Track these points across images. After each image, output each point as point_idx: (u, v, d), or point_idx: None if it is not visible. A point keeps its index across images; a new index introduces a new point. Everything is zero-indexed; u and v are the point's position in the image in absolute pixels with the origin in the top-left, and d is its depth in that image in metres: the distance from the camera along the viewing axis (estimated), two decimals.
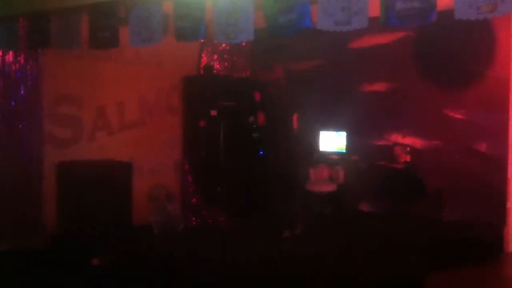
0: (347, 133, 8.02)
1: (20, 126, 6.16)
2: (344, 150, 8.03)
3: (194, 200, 7.75)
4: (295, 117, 5.69)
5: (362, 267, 5.42)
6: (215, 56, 8.10)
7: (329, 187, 7.78)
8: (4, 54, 6.01)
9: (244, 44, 8.00)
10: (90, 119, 6.82)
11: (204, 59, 7.98)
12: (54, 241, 6.08)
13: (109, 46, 5.14)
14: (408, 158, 7.55)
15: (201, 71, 7.95)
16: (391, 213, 7.56)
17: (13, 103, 6.11)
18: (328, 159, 8.05)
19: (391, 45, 7.70)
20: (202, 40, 5.42)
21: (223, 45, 8.01)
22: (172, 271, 5.35)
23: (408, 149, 7.61)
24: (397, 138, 7.88)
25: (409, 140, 7.74)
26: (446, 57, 7.27)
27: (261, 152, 8.13)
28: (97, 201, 6.20)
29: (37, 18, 5.29)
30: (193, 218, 7.63)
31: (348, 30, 4.01)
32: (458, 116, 7.33)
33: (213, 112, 7.64)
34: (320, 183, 7.83)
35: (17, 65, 6.10)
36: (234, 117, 7.80)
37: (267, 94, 8.06)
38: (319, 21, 4.09)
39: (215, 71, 8.04)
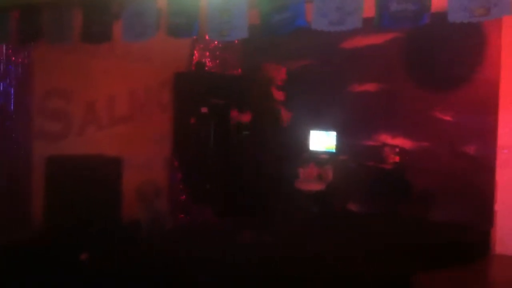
0: (336, 133, 8.04)
1: (9, 120, 6.12)
2: (333, 150, 8.05)
3: (183, 197, 7.74)
4: (285, 116, 5.68)
5: (348, 267, 5.44)
6: (207, 53, 8.09)
7: (318, 186, 7.80)
8: None
9: (236, 41, 8.01)
10: (80, 114, 6.77)
11: (196, 56, 7.97)
12: (41, 236, 6.04)
13: (102, 41, 5.11)
14: (397, 159, 7.59)
15: (193, 68, 7.94)
16: (379, 213, 7.60)
17: (1, 97, 6.07)
18: (318, 159, 8.07)
19: (382, 46, 7.73)
20: (194, 37, 5.43)
21: (215, 42, 8.00)
22: (159, 268, 5.34)
23: (397, 150, 7.65)
24: (386, 138, 7.92)
25: (398, 141, 7.78)
26: (436, 59, 7.33)
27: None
28: (86, 196, 6.17)
29: (29, 11, 5.24)
30: (181, 216, 7.61)
31: (342, 30, 4.03)
32: (447, 118, 7.38)
33: (204, 109, 7.62)
34: (309, 182, 7.85)
35: (8, 57, 6.06)
36: (225, 114, 7.80)
37: (258, 92, 8.06)
38: (314, 20, 4.10)
39: (206, 68, 8.03)
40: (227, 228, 7.16)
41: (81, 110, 6.80)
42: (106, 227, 6.19)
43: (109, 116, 7.10)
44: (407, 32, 7.43)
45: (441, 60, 7.30)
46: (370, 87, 8.03)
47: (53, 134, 6.49)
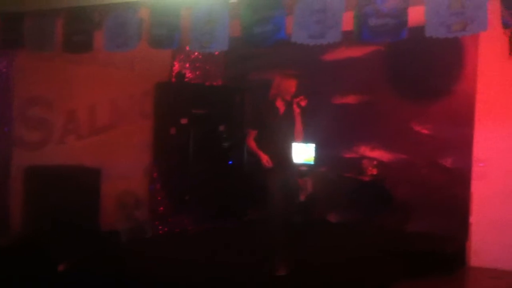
0: (316, 145, 8.09)
1: None
2: (312, 162, 8.10)
3: (162, 208, 7.71)
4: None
5: (326, 278, 5.47)
6: (187, 64, 8.11)
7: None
8: None
9: (216, 53, 8.04)
10: (60, 123, 6.73)
11: (176, 67, 7.98)
12: (19, 247, 5.98)
13: (83, 51, 5.13)
14: (375, 171, 7.67)
15: (173, 79, 7.95)
16: (357, 225, 7.66)
17: None
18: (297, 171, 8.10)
19: (363, 59, 7.83)
20: (175, 48, 5.45)
21: (196, 53, 8.02)
22: (138, 278, 5.32)
23: (375, 162, 7.73)
24: (365, 151, 8.00)
25: (377, 153, 7.87)
26: (415, 72, 7.43)
27: (230, 162, 8.16)
28: (65, 206, 6.12)
29: (11, 18, 5.24)
30: (160, 226, 7.58)
31: (322, 43, 4.09)
32: (425, 130, 7.49)
33: (184, 120, 7.63)
34: None
35: None
36: (205, 125, 7.82)
37: (239, 103, 8.11)
38: (294, 33, 4.16)
39: (187, 79, 8.05)
40: (206, 238, 7.16)
41: (62, 119, 6.75)
42: (85, 237, 6.14)
43: (89, 125, 7.06)
44: (387, 45, 7.54)
45: (420, 73, 7.41)
46: (349, 99, 8.12)
47: (33, 143, 6.43)
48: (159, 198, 7.73)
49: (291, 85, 5.64)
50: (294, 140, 5.75)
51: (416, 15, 3.95)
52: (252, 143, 5.72)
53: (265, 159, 5.57)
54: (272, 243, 5.47)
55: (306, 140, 8.08)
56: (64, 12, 5.07)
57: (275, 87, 5.73)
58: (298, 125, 5.65)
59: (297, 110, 5.62)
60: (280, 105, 5.69)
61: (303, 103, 5.61)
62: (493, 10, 3.64)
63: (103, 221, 6.76)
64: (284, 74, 5.83)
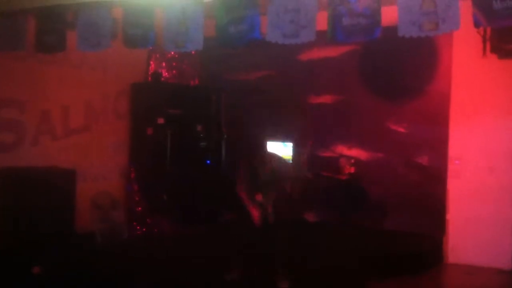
0: (293, 144, 8.09)
1: None
2: (290, 161, 8.09)
3: (140, 208, 7.66)
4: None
5: (303, 276, 5.47)
6: (164, 64, 8.06)
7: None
8: None
9: (193, 52, 8.00)
10: (33, 124, 6.62)
11: (152, 66, 7.93)
12: None
13: (56, 50, 5.06)
14: (352, 170, 7.69)
15: (149, 78, 7.90)
16: (335, 223, 7.68)
17: None
18: None
19: (338, 59, 7.85)
20: (150, 48, 5.41)
21: (172, 52, 7.97)
22: (115, 280, 5.28)
23: (353, 161, 7.75)
24: (342, 150, 8.02)
25: (354, 152, 7.89)
26: (391, 72, 7.48)
27: (208, 161, 8.12)
28: (39, 208, 6.04)
29: None
30: (138, 227, 7.53)
31: (296, 42, 4.08)
32: (401, 129, 7.54)
33: (160, 120, 7.58)
34: None
35: None
36: (182, 125, 7.78)
37: (215, 103, 8.08)
38: (268, 33, 4.15)
39: (163, 79, 7.99)
40: (184, 238, 7.12)
41: (35, 119, 6.65)
42: (60, 239, 6.08)
43: (63, 125, 6.97)
44: (362, 45, 7.56)
45: (395, 72, 7.45)
46: (327, 98, 8.13)
47: (5, 145, 6.33)
48: (136, 198, 7.67)
49: None
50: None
51: (390, 14, 3.96)
52: (243, 195, 5.62)
53: (255, 216, 5.57)
54: (248, 244, 5.44)
55: (284, 139, 8.11)
56: (36, 11, 4.99)
57: None
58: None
59: None
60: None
61: None
62: (466, 9, 3.66)
63: (79, 222, 6.68)
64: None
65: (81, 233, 6.69)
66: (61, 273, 5.39)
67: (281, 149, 8.14)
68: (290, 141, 8.12)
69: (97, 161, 7.30)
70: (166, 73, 8.08)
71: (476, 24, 3.63)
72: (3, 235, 6.06)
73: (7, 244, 5.91)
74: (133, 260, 5.97)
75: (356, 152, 7.89)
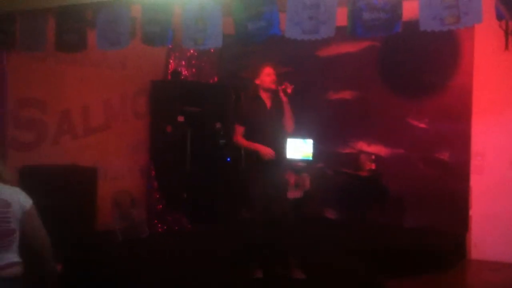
0: (313, 141, 8.07)
1: None
2: (310, 158, 8.07)
3: (160, 206, 7.69)
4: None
5: (324, 274, 5.44)
6: (183, 62, 8.07)
7: (295, 194, 7.81)
8: None
9: (212, 50, 8.01)
10: (54, 123, 6.70)
11: (172, 65, 7.95)
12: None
13: (76, 49, 5.10)
14: (373, 166, 7.64)
15: (169, 77, 7.92)
16: (356, 220, 7.64)
17: None
18: (295, 167, 8.08)
19: (358, 54, 7.80)
20: (170, 46, 5.42)
21: (191, 50, 7.98)
22: (136, 278, 5.30)
23: (373, 157, 7.70)
24: (362, 146, 7.98)
25: (374, 148, 7.84)
26: (411, 67, 7.41)
27: (228, 159, 8.12)
28: (61, 206, 6.08)
29: (2, 19, 5.20)
30: (159, 225, 7.56)
31: (316, 39, 4.06)
32: (422, 125, 7.47)
33: (180, 118, 7.60)
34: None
35: None
36: (201, 123, 7.79)
37: (235, 100, 8.07)
38: (287, 29, 4.14)
39: (182, 77, 8.01)
40: (204, 236, 7.13)
41: (56, 119, 6.73)
42: (81, 237, 6.12)
43: (84, 124, 7.04)
44: (382, 40, 7.52)
45: (416, 67, 7.39)
46: (346, 94, 8.09)
47: (27, 144, 6.41)
48: (156, 196, 7.70)
49: (269, 72, 5.31)
50: (285, 131, 5.37)
51: (410, 9, 3.92)
52: (241, 140, 5.37)
53: (266, 151, 5.20)
54: (267, 240, 5.39)
55: (304, 136, 8.09)
56: (56, 11, 5.03)
57: (255, 80, 5.40)
58: (288, 115, 5.25)
59: (284, 99, 5.24)
60: (265, 96, 5.36)
61: (289, 90, 5.20)
62: (488, 2, 3.61)
63: (100, 221, 6.73)
64: (261, 64, 5.47)
65: (102, 230, 6.74)
66: (83, 271, 5.42)
67: (301, 145, 8.14)
68: (310, 138, 8.09)
69: (117, 160, 7.36)
70: (186, 71, 8.09)
71: (499, 17, 3.59)
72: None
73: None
74: (152, 258, 5.99)
75: (376, 148, 7.84)
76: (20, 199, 3.15)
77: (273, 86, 5.29)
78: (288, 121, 5.27)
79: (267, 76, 5.30)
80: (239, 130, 5.38)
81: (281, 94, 5.24)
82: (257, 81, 5.36)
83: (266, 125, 5.28)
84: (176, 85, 7.83)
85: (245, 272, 5.32)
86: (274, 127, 5.28)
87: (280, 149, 5.38)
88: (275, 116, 5.31)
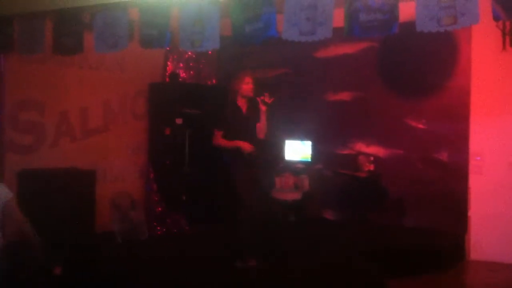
0: (312, 142, 8.07)
1: None
2: (309, 159, 8.08)
3: (159, 208, 7.69)
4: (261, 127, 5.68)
5: (323, 275, 5.44)
6: (181, 64, 8.07)
7: (294, 195, 7.82)
8: None
9: (210, 52, 8.01)
10: (52, 125, 6.68)
11: (170, 67, 7.95)
12: (13, 250, 5.94)
13: (74, 52, 5.11)
14: (371, 167, 7.64)
15: (167, 79, 7.92)
16: (355, 221, 7.64)
17: None
18: (293, 168, 8.09)
19: (356, 55, 7.81)
20: (167, 48, 5.43)
21: (189, 52, 7.98)
22: (135, 280, 5.29)
23: (372, 158, 7.70)
24: (361, 147, 7.98)
25: (372, 149, 7.84)
26: (409, 67, 7.42)
27: (225, 160, 8.11)
28: (60, 209, 6.09)
29: (0, 21, 5.21)
30: (158, 227, 7.56)
31: (313, 40, 4.06)
32: (420, 125, 7.47)
33: (179, 120, 7.60)
34: (285, 191, 7.87)
35: None
36: (200, 125, 7.78)
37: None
38: (284, 31, 4.14)
39: (180, 79, 8.01)
40: (203, 238, 7.12)
41: (54, 121, 6.71)
42: (81, 239, 6.11)
43: (82, 127, 7.03)
44: (380, 41, 7.52)
45: (414, 68, 7.39)
46: (344, 96, 8.09)
47: (26, 146, 6.39)
48: (156, 198, 7.70)
49: (248, 81, 5.67)
50: (257, 137, 5.74)
51: (407, 10, 3.93)
52: (221, 140, 5.73)
53: (245, 145, 5.60)
54: (265, 241, 5.44)
55: (302, 137, 8.09)
56: (54, 14, 5.03)
57: (233, 86, 5.78)
58: (263, 122, 5.64)
59: (263, 108, 5.61)
60: (241, 103, 5.75)
61: (268, 101, 5.58)
62: (485, 3, 3.62)
63: (99, 223, 6.73)
64: (240, 73, 5.83)
65: (101, 232, 6.74)
66: (82, 273, 5.42)
67: (299, 147, 8.14)
68: (308, 139, 8.09)
69: (116, 162, 7.36)
70: (184, 73, 8.09)
71: (496, 18, 3.58)
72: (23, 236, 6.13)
73: (28, 244, 5.96)
74: (151, 260, 5.98)
75: (374, 149, 7.83)
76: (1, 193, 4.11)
77: (250, 94, 5.69)
78: (263, 128, 5.69)
79: (245, 85, 5.67)
80: (218, 133, 5.74)
81: (260, 104, 5.60)
82: (236, 88, 5.73)
83: (241, 129, 5.67)
84: (175, 87, 7.83)
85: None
86: (247, 132, 5.66)
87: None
88: (249, 122, 5.71)
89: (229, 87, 5.87)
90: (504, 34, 6.23)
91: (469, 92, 6.73)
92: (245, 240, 5.54)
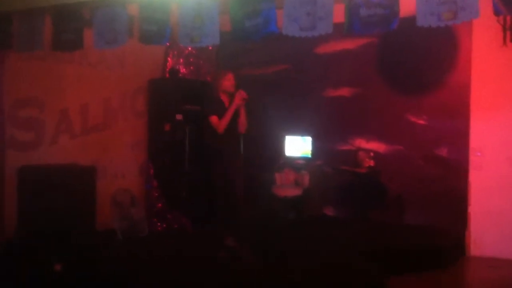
0: (312, 138, 8.06)
1: None
2: (309, 155, 8.07)
3: (159, 205, 7.69)
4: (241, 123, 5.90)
5: (324, 272, 5.43)
6: (181, 60, 8.05)
7: (295, 192, 7.81)
8: None
9: (210, 47, 8.01)
10: (52, 122, 6.69)
11: (170, 63, 7.93)
12: (14, 247, 5.96)
13: (73, 48, 5.10)
14: (372, 163, 7.63)
15: (167, 75, 7.91)
16: (355, 217, 7.64)
17: None
18: (294, 164, 8.08)
19: (356, 51, 7.79)
20: (167, 44, 5.43)
21: (189, 48, 7.97)
22: (135, 277, 5.29)
23: (372, 154, 7.69)
24: (361, 143, 7.96)
25: (372, 145, 7.83)
26: (409, 63, 7.40)
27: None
28: (60, 206, 6.10)
29: None
30: (158, 223, 7.56)
31: (313, 35, 4.06)
32: (420, 121, 7.45)
33: (179, 116, 7.59)
34: (286, 188, 7.86)
35: None
36: (200, 121, 7.78)
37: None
38: (284, 26, 4.14)
39: (180, 75, 8.00)
40: (202, 234, 7.12)
41: (54, 118, 6.72)
42: (81, 236, 6.12)
43: (82, 124, 7.03)
44: (380, 37, 7.51)
45: (414, 64, 7.37)
46: (344, 91, 8.07)
47: (26, 143, 6.40)
48: (156, 195, 7.70)
49: (230, 78, 6.00)
50: (238, 130, 6.05)
51: (407, 5, 3.92)
52: (222, 120, 5.94)
53: (239, 95, 5.87)
54: (266, 237, 5.48)
55: (302, 133, 8.08)
56: (53, 10, 5.03)
57: (216, 82, 6.14)
58: (242, 116, 5.98)
59: (239, 102, 5.93)
60: (224, 98, 6.06)
61: (245, 96, 5.90)
62: None
63: (99, 219, 6.73)
64: (222, 69, 6.17)
65: (101, 229, 6.74)
66: (83, 270, 5.42)
67: (299, 143, 8.13)
68: (309, 135, 8.09)
69: (116, 158, 7.36)
70: (184, 69, 8.08)
71: (496, 12, 3.58)
72: (24, 233, 6.14)
73: (28, 241, 5.98)
74: (152, 256, 5.98)
75: (374, 145, 7.82)
76: None
77: (232, 90, 6.01)
78: (242, 121, 6.04)
79: (227, 81, 6.01)
80: (215, 117, 6.00)
81: (237, 98, 5.91)
82: (218, 84, 6.09)
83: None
84: (174, 83, 7.82)
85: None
86: (230, 125, 5.95)
87: (235, 145, 6.07)
88: (232, 117, 5.99)
89: (213, 83, 6.10)
90: (504, 29, 6.21)
91: (469, 88, 6.73)
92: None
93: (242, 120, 6.00)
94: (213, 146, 6.07)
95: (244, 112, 5.98)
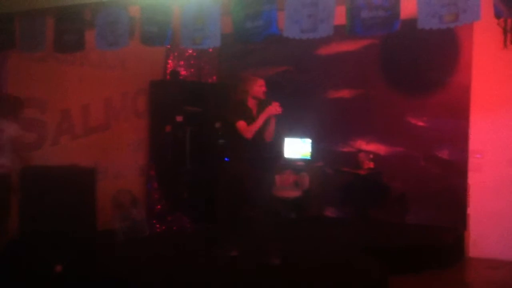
0: (312, 140, 8.07)
1: None
2: (309, 157, 8.08)
3: (159, 206, 7.70)
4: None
5: (325, 272, 5.44)
6: (182, 62, 8.07)
7: (295, 193, 7.83)
8: None
9: (211, 49, 8.02)
10: (54, 123, 6.70)
11: (171, 64, 7.95)
12: (15, 248, 5.96)
13: (75, 50, 5.10)
14: (371, 165, 7.64)
15: (168, 76, 7.93)
16: (355, 219, 7.64)
17: None
18: (294, 166, 8.09)
19: (357, 53, 7.79)
20: (168, 46, 5.43)
21: (190, 50, 7.99)
22: (136, 278, 5.30)
23: (372, 155, 7.70)
24: (361, 144, 7.97)
25: (373, 147, 7.83)
26: (410, 65, 7.41)
27: (226, 159, 8.12)
28: (61, 207, 6.09)
29: (1, 19, 5.21)
30: (158, 225, 7.56)
31: (314, 37, 4.06)
32: (421, 123, 7.46)
33: (179, 118, 7.61)
34: (286, 189, 7.87)
35: None
36: (200, 122, 7.79)
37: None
38: (286, 28, 4.14)
39: (181, 77, 8.01)
40: (203, 236, 7.12)
41: (56, 119, 6.73)
42: (82, 236, 6.12)
43: (83, 124, 7.05)
44: (382, 38, 7.51)
45: (415, 66, 7.39)
46: (345, 93, 8.08)
47: (27, 145, 6.40)
48: (156, 196, 7.71)
49: (262, 84, 5.71)
50: (265, 139, 5.80)
51: (409, 7, 3.93)
52: (252, 127, 5.62)
53: (273, 108, 5.57)
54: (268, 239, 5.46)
55: (303, 135, 8.09)
56: (54, 11, 5.03)
57: (244, 87, 5.76)
58: (272, 127, 5.73)
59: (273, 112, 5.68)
60: (252, 104, 5.74)
61: (280, 110, 5.64)
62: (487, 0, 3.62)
63: (100, 220, 6.73)
64: (252, 75, 5.87)
65: (102, 230, 6.75)
66: (84, 270, 5.43)
67: (299, 145, 8.14)
68: (309, 137, 8.09)
69: (117, 159, 7.38)
70: (185, 71, 8.09)
71: (497, 15, 3.59)
72: (25, 233, 6.14)
73: (29, 242, 5.98)
74: (152, 257, 5.98)
75: (375, 147, 7.83)
76: None
77: (263, 97, 5.73)
78: (271, 131, 5.78)
79: (260, 87, 5.70)
80: (243, 123, 5.64)
81: (273, 109, 5.62)
82: (247, 89, 5.73)
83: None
84: (176, 85, 7.83)
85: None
86: (257, 133, 5.67)
87: (260, 152, 5.81)
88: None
89: (239, 86, 5.82)
90: (505, 32, 6.23)
91: (470, 90, 6.75)
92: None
93: (272, 129, 5.75)
94: (236, 149, 5.84)
95: (274, 122, 5.73)
